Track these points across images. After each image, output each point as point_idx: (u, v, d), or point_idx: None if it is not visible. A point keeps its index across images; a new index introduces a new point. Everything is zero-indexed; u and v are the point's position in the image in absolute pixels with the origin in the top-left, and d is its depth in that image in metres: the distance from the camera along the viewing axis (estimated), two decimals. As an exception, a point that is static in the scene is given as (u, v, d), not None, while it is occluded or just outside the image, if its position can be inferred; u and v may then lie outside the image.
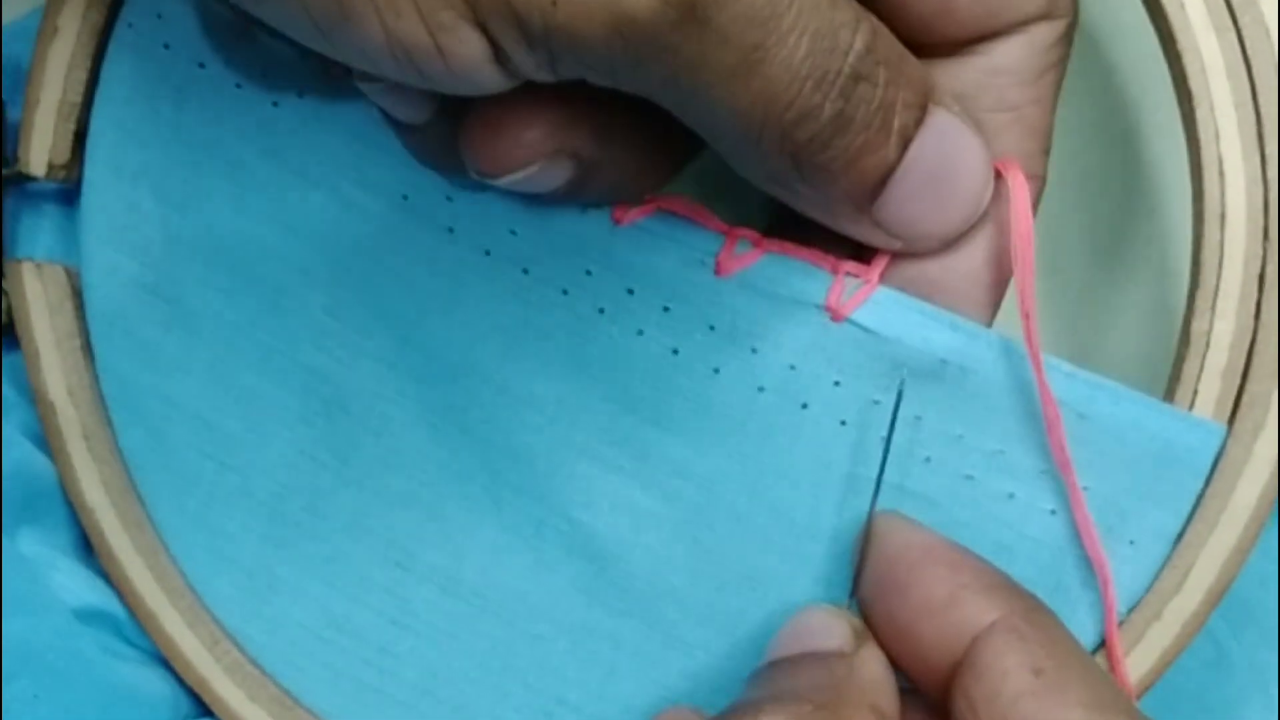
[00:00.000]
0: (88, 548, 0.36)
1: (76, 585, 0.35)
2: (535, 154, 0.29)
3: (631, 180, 0.31)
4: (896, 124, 0.28)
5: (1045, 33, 0.30)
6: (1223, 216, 0.31)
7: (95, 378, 0.35)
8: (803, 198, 0.29)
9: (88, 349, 0.35)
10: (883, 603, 0.30)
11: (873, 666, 0.29)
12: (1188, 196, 0.31)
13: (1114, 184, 0.36)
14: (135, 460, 0.35)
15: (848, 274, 0.31)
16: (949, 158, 0.29)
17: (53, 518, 0.36)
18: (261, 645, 0.35)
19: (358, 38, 0.26)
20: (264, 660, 0.35)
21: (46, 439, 0.35)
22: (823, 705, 0.27)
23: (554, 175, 0.30)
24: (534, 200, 0.31)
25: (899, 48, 0.28)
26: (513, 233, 0.32)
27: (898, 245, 0.30)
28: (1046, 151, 0.31)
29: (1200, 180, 0.31)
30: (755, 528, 0.32)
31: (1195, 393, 0.31)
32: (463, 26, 0.25)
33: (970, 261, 0.31)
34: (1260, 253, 0.31)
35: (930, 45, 0.30)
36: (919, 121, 0.28)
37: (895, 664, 0.29)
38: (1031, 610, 0.29)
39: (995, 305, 0.32)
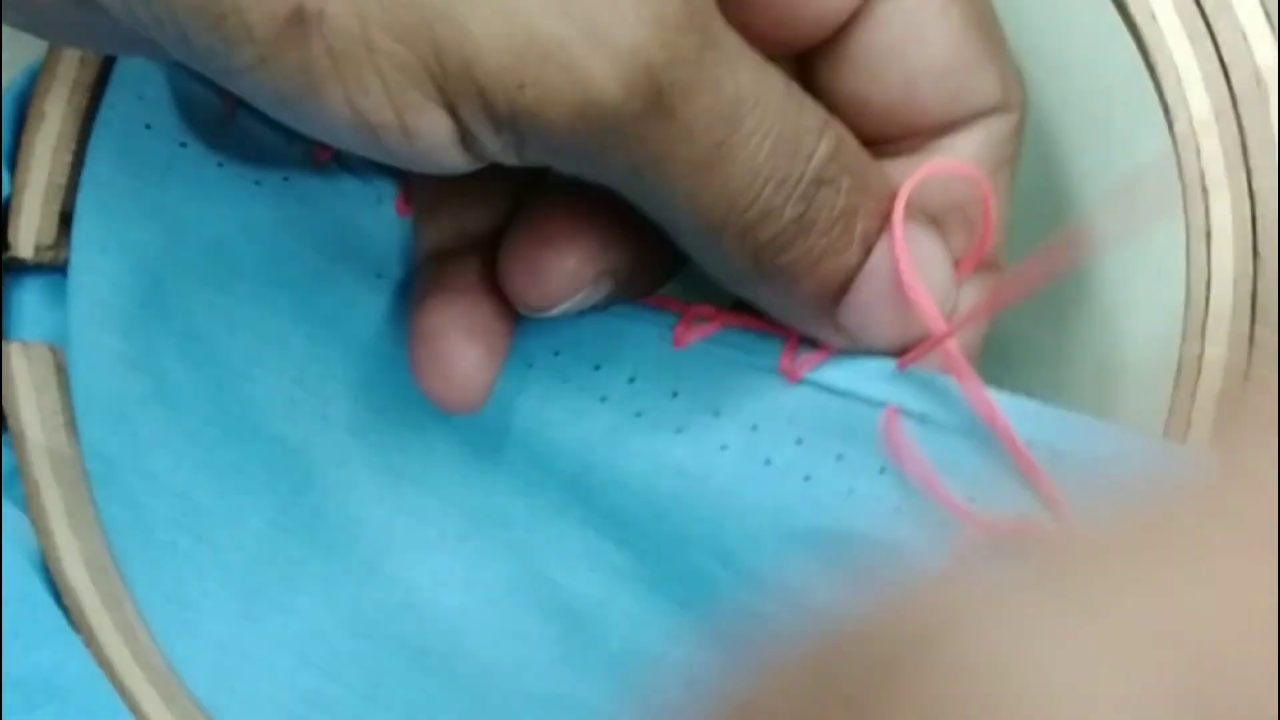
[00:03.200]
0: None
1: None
2: (577, 285, 0.29)
3: (654, 281, 0.31)
4: (859, 229, 0.28)
5: (1001, 125, 0.30)
6: (1208, 234, 0.29)
7: (79, 456, 0.35)
8: (765, 299, 0.29)
9: (72, 427, 0.35)
10: None
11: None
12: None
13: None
14: (115, 536, 0.35)
15: (802, 339, 0.30)
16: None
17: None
18: (236, 723, 0.34)
19: (324, 114, 0.25)
20: (240, 739, 0.34)
21: (30, 517, 0.35)
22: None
23: (596, 294, 0.30)
24: None
25: (864, 156, 0.28)
26: None
27: (859, 348, 0.29)
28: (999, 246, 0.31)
29: (1184, 198, 0.29)
30: (723, 588, 0.31)
31: (1189, 422, 0.29)
32: (430, 107, 0.25)
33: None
34: (1250, 271, 0.29)
35: (891, 140, 0.30)
36: (881, 228, 0.28)
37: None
38: None
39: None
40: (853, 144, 0.28)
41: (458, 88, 0.24)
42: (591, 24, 0.24)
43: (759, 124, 0.26)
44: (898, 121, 0.30)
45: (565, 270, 0.29)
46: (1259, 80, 0.29)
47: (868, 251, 0.28)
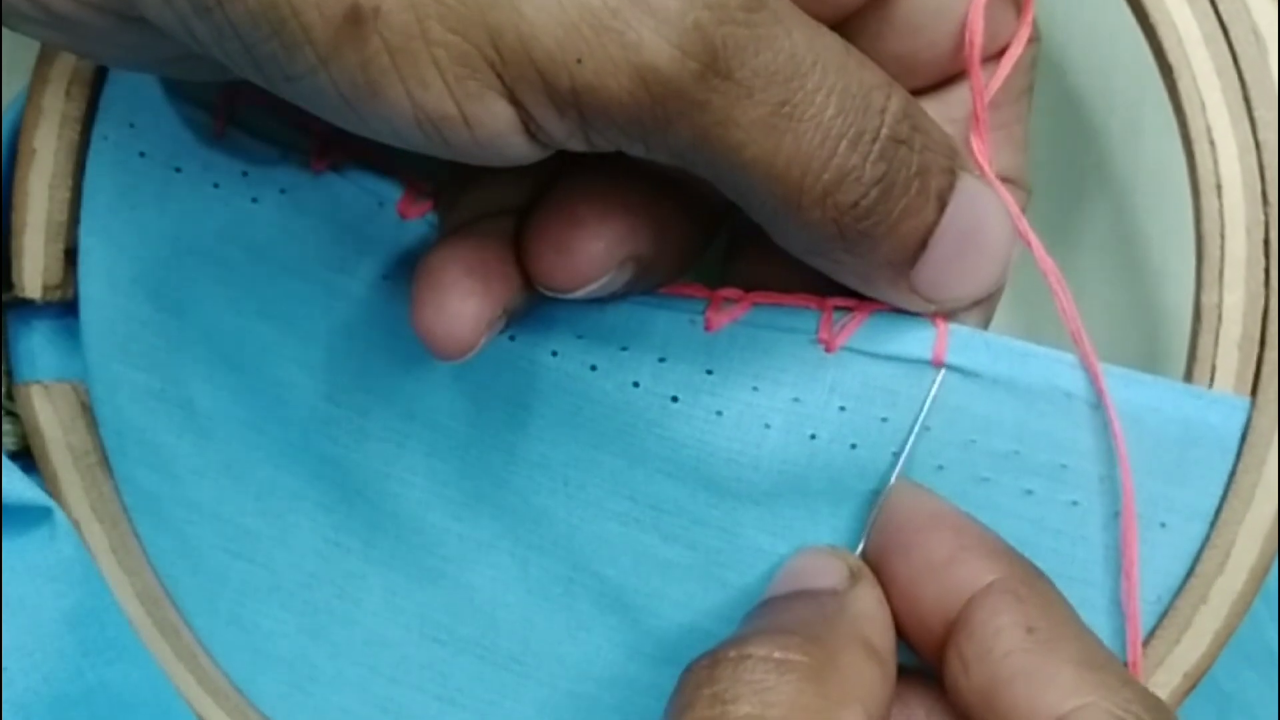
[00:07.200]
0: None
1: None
2: (605, 266, 0.29)
3: (674, 269, 0.32)
4: (934, 186, 0.28)
5: (1024, 54, 0.31)
6: (1218, 186, 0.30)
7: (116, 490, 0.35)
8: (843, 265, 0.29)
9: (105, 464, 0.35)
10: (886, 563, 0.30)
11: (865, 602, 0.29)
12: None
13: (1107, 181, 0.36)
14: (165, 568, 0.35)
15: (836, 308, 0.31)
16: (979, 219, 0.29)
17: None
18: (312, 737, 0.35)
19: (387, 112, 0.25)
20: (317, 752, 0.35)
21: (76, 556, 0.35)
22: (812, 638, 0.27)
23: (620, 279, 0.30)
24: None
25: (925, 112, 0.28)
26: None
27: (932, 309, 0.30)
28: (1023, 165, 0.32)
29: (1191, 152, 0.31)
30: (780, 564, 0.32)
31: (1214, 368, 0.31)
32: (489, 95, 0.25)
33: None
34: (1262, 219, 0.30)
35: (931, 76, 0.30)
36: (951, 184, 0.28)
37: (896, 628, 0.29)
38: (1030, 575, 0.29)
39: (986, 320, 0.32)
40: (915, 102, 0.28)
41: (516, 72, 0.25)
42: None
43: (821, 81, 0.26)
44: (940, 71, 0.30)
45: (594, 252, 0.29)
46: (1257, 36, 0.30)
47: (942, 208, 0.28)
